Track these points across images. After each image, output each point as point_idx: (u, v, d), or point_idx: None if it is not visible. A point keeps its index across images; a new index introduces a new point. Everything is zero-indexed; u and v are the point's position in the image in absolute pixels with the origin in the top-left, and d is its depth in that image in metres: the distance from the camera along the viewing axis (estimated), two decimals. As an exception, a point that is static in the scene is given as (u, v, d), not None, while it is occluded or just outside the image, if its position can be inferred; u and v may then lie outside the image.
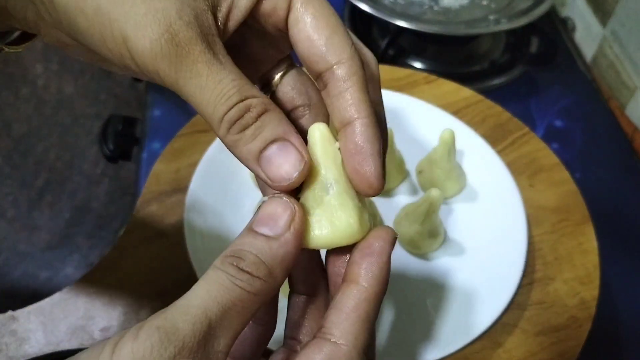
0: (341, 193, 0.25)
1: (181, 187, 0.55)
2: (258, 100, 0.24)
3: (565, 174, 0.57)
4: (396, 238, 0.25)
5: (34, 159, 1.43)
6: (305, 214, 0.24)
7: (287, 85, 0.27)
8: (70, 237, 1.30)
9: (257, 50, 0.27)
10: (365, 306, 0.23)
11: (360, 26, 0.79)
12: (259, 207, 0.24)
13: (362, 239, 0.25)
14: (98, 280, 0.50)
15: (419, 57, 0.75)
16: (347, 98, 0.24)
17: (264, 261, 0.22)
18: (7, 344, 0.46)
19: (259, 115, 0.24)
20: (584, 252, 0.52)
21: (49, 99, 1.52)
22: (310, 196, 0.25)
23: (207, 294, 0.21)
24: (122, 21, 0.22)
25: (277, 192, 0.25)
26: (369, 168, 0.24)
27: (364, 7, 0.68)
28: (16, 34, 0.28)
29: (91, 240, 1.30)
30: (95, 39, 0.23)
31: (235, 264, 0.22)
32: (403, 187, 0.56)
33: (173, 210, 0.54)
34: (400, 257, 0.51)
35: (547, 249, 0.52)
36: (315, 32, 0.24)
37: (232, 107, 0.23)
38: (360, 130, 0.24)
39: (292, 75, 0.27)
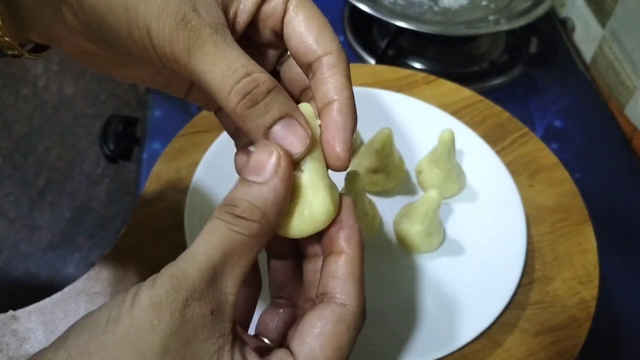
0: (312, 173, 0.27)
1: (181, 187, 0.55)
2: (266, 76, 0.26)
3: (564, 174, 0.58)
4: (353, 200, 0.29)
5: (34, 159, 1.44)
6: (291, 158, 0.26)
7: (293, 69, 0.31)
8: (70, 237, 1.30)
9: (261, 37, 0.30)
10: (357, 270, 0.27)
11: (360, 26, 0.79)
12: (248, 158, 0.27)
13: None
14: (99, 280, 0.50)
15: (418, 57, 0.75)
16: (332, 82, 0.28)
17: (257, 205, 0.25)
18: (8, 344, 0.46)
19: (269, 92, 0.26)
20: (583, 251, 0.52)
21: (49, 99, 1.53)
22: None
23: (209, 243, 0.24)
24: (147, 15, 0.25)
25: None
26: (339, 140, 0.27)
27: (364, 7, 0.68)
28: (30, 45, 0.31)
29: (92, 240, 1.30)
30: (122, 34, 0.26)
31: (230, 211, 0.24)
32: (403, 187, 0.56)
33: (173, 210, 0.54)
34: (400, 257, 0.51)
35: (546, 248, 0.52)
36: (307, 28, 0.28)
37: (240, 80, 0.26)
38: (339, 108, 0.28)
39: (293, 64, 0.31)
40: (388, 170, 0.54)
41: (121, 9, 0.25)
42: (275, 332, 0.30)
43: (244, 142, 0.31)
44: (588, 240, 0.53)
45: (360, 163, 0.54)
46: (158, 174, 0.57)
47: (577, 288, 0.50)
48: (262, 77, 0.26)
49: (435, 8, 0.75)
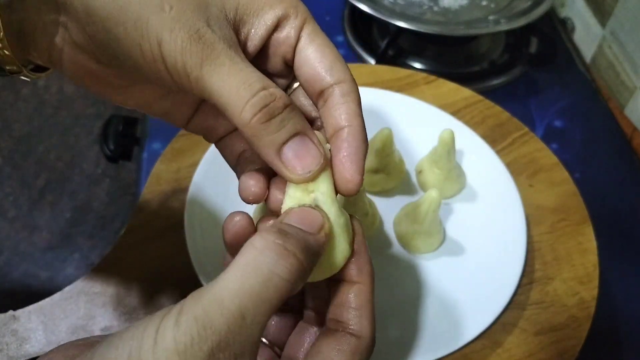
0: (329, 212, 0.27)
1: (181, 187, 0.55)
2: (282, 92, 0.26)
3: (564, 174, 0.58)
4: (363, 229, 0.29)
5: (34, 159, 1.44)
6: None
7: (299, 100, 0.30)
8: (70, 237, 1.30)
9: (271, 63, 0.30)
10: (370, 301, 0.27)
11: (360, 26, 0.79)
12: (287, 211, 0.26)
13: None
14: (99, 280, 0.50)
15: (418, 57, 0.75)
16: (344, 109, 0.27)
17: (302, 247, 0.23)
18: (8, 344, 0.46)
19: (285, 107, 0.26)
20: (583, 251, 0.52)
21: (49, 99, 1.53)
22: (296, 198, 0.27)
23: (243, 287, 0.22)
24: (159, 27, 0.25)
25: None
26: (353, 162, 0.27)
27: (364, 7, 0.68)
28: (30, 65, 0.30)
29: (92, 240, 1.30)
30: (132, 47, 0.25)
31: (280, 241, 0.23)
32: (403, 187, 0.56)
33: (173, 210, 0.54)
34: (400, 257, 0.51)
35: (546, 248, 0.52)
36: (320, 57, 0.28)
37: (255, 94, 0.25)
38: (352, 133, 0.27)
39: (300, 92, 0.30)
40: (388, 170, 0.54)
41: (132, 21, 0.25)
42: (276, 333, 0.30)
43: (246, 170, 0.30)
44: (588, 240, 0.53)
45: (360, 163, 0.54)
46: (158, 174, 0.57)
47: (577, 288, 0.50)
48: (279, 92, 0.26)
49: (435, 8, 0.75)
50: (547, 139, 0.66)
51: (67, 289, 0.50)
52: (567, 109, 0.71)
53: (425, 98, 0.62)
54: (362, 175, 0.27)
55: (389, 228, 0.53)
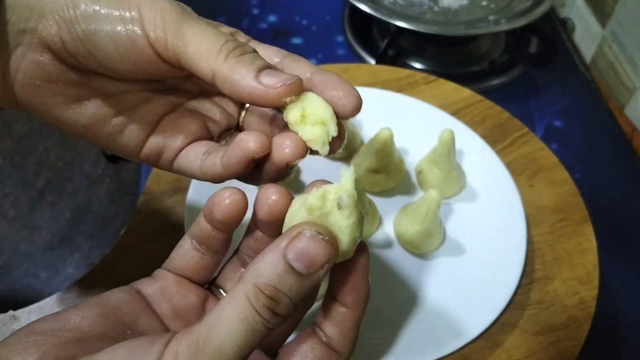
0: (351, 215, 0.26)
1: (181, 187, 0.55)
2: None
3: (564, 174, 0.58)
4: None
5: (34, 159, 1.44)
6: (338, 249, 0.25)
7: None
8: (71, 237, 1.30)
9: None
10: (358, 324, 0.27)
11: (360, 26, 0.79)
12: (297, 234, 0.24)
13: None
14: (99, 280, 0.50)
15: (418, 57, 0.75)
16: (302, 67, 0.30)
17: (295, 302, 0.24)
18: (8, 344, 0.46)
19: (254, 51, 0.28)
20: (583, 251, 0.52)
21: (49, 99, 1.52)
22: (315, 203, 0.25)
23: (243, 340, 0.23)
24: (139, 1, 0.27)
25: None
26: (343, 84, 0.29)
27: (364, 7, 0.68)
28: None
29: (92, 240, 1.30)
30: (110, 16, 0.27)
31: (272, 308, 0.23)
32: (403, 187, 0.56)
33: (173, 210, 0.54)
34: (400, 257, 0.51)
35: (546, 248, 0.52)
36: (264, 53, 0.31)
37: (228, 40, 0.28)
38: (319, 73, 0.29)
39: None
40: (388, 170, 0.54)
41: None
42: (199, 271, 0.30)
43: (217, 160, 0.31)
44: (588, 240, 0.53)
45: (360, 163, 0.54)
46: (158, 174, 0.57)
47: (577, 288, 0.50)
48: (245, 42, 0.29)
49: (435, 8, 0.75)
50: (547, 139, 0.66)
51: (67, 288, 0.50)
52: (567, 109, 0.71)
53: (425, 98, 0.62)
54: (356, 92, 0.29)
55: (389, 228, 0.53)
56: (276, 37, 0.79)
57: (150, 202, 0.55)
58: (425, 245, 0.51)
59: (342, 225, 0.25)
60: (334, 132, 0.28)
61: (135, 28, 0.27)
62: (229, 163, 0.29)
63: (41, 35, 0.28)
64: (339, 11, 0.82)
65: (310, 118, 0.28)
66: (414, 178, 0.57)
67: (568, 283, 0.50)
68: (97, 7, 0.27)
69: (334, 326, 0.27)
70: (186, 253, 0.30)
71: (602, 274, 0.51)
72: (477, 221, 0.53)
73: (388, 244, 0.52)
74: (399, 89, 0.64)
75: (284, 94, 0.27)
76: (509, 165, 0.56)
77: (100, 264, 0.51)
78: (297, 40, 0.79)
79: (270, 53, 0.31)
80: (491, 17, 0.71)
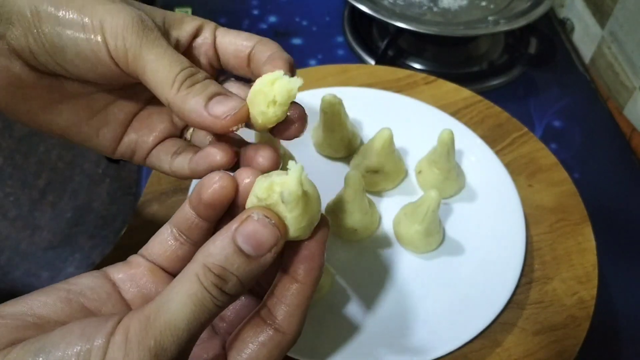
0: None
1: (182, 187, 0.56)
2: (203, 71, 0.30)
3: (563, 174, 0.58)
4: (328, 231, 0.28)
5: (35, 159, 1.44)
6: (287, 233, 0.26)
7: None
8: (71, 237, 1.31)
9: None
10: (306, 302, 0.27)
11: (360, 27, 0.80)
12: (246, 218, 0.25)
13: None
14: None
15: (418, 57, 0.75)
16: (266, 52, 0.32)
17: (243, 282, 0.25)
18: (10, 343, 0.47)
19: (205, 78, 0.30)
20: (582, 251, 0.52)
21: (50, 99, 1.52)
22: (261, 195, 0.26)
23: (192, 315, 0.23)
24: (102, 12, 0.29)
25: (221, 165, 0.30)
26: (276, 57, 0.31)
27: (364, 8, 0.68)
28: None
29: (93, 240, 1.30)
30: (74, 31, 0.29)
31: (219, 286, 0.24)
32: (402, 187, 0.57)
33: (174, 210, 0.54)
34: (400, 257, 0.52)
35: (545, 248, 0.53)
36: (236, 37, 0.33)
37: (182, 69, 0.29)
38: (274, 54, 0.31)
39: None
40: (388, 170, 0.54)
41: (76, 10, 0.29)
42: (175, 261, 0.30)
43: (186, 162, 0.33)
44: (587, 240, 0.53)
45: (360, 163, 0.54)
46: (158, 174, 0.57)
47: (576, 288, 0.50)
48: (199, 69, 0.30)
49: (435, 9, 0.75)
50: (546, 139, 0.66)
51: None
52: (567, 109, 0.72)
53: (424, 98, 0.62)
54: (291, 67, 0.31)
55: (389, 228, 0.53)
56: (276, 38, 0.79)
57: (150, 202, 0.55)
58: (424, 245, 0.51)
59: (287, 216, 0.26)
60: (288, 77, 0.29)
61: (98, 38, 0.29)
62: (196, 169, 0.32)
63: (10, 44, 0.29)
64: (339, 11, 0.83)
65: (271, 97, 0.29)
66: (413, 178, 0.57)
67: (567, 283, 0.50)
68: (60, 14, 0.29)
69: (282, 304, 0.27)
70: (164, 241, 0.30)
71: (601, 274, 0.51)
72: (477, 221, 0.54)
73: (388, 244, 0.53)
74: (398, 90, 0.64)
75: (231, 123, 0.29)
76: (508, 165, 0.56)
77: (101, 264, 0.51)
78: (297, 41, 0.79)
79: (241, 38, 0.33)
80: (490, 18, 0.71)
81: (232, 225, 0.25)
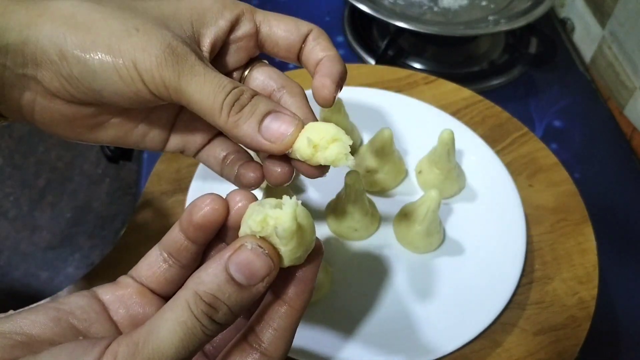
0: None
1: (181, 187, 0.55)
2: (247, 87, 0.30)
3: (564, 174, 0.58)
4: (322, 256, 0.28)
5: (35, 159, 1.44)
6: (280, 264, 0.25)
7: (260, 76, 0.33)
8: (71, 237, 1.30)
9: (230, 60, 0.33)
10: (295, 326, 0.27)
11: (360, 27, 0.80)
12: (239, 247, 0.25)
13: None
14: (99, 280, 0.50)
15: (418, 57, 0.75)
16: (319, 47, 0.32)
17: (234, 312, 0.24)
18: (9, 343, 0.46)
19: (252, 96, 0.29)
20: (582, 251, 0.52)
21: (49, 99, 1.52)
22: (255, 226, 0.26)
23: (181, 343, 0.23)
24: (131, 50, 0.27)
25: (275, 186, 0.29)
26: (329, 84, 0.31)
27: (364, 8, 0.68)
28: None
29: (92, 240, 1.30)
30: (108, 74, 0.28)
31: (210, 315, 0.24)
32: (402, 187, 0.57)
33: (173, 210, 0.54)
34: (400, 257, 0.52)
35: (546, 248, 0.53)
36: (284, 25, 0.33)
37: (229, 93, 0.28)
38: (330, 59, 0.32)
39: (261, 69, 0.34)
40: (388, 170, 0.54)
41: (104, 51, 0.27)
42: (164, 283, 0.30)
43: (234, 174, 0.34)
44: (587, 240, 0.53)
45: (360, 163, 0.54)
46: (158, 174, 0.57)
47: (576, 288, 0.50)
48: (245, 87, 0.29)
49: (435, 8, 0.75)
50: (546, 139, 0.66)
51: (67, 288, 0.50)
52: (567, 109, 0.71)
53: (425, 98, 0.62)
54: (337, 86, 0.31)
55: (389, 228, 0.53)
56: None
57: (150, 202, 0.55)
58: (425, 245, 0.51)
59: (280, 249, 0.25)
60: (348, 140, 0.29)
61: (136, 83, 0.28)
62: (240, 184, 0.33)
63: (45, 87, 0.29)
64: (339, 11, 0.82)
65: (322, 143, 0.29)
66: (413, 178, 0.57)
67: (567, 283, 0.50)
68: (89, 58, 0.28)
69: (269, 327, 0.26)
70: (153, 263, 0.29)
71: (602, 274, 0.51)
72: (477, 221, 0.54)
73: (388, 244, 0.52)
74: (398, 89, 0.64)
75: (287, 146, 0.29)
76: (509, 165, 0.56)
77: (100, 264, 0.51)
78: (297, 41, 0.79)
79: (291, 28, 0.32)
80: (491, 18, 0.71)
81: (225, 253, 0.24)
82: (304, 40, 0.32)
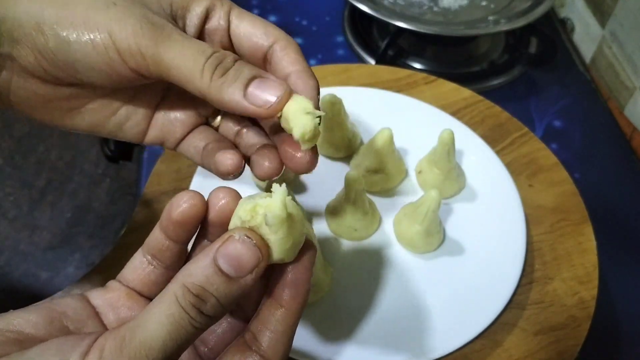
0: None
1: (182, 187, 0.55)
2: (229, 52, 0.29)
3: (564, 174, 0.58)
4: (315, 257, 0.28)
5: (35, 159, 1.44)
6: (269, 255, 0.25)
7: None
8: (71, 237, 1.30)
9: None
10: (292, 327, 0.26)
11: (360, 27, 0.80)
12: (228, 238, 0.25)
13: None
14: (99, 280, 0.50)
15: (418, 57, 0.75)
16: (286, 59, 0.31)
17: (222, 304, 0.24)
18: (9, 343, 0.46)
19: (235, 60, 0.29)
20: (582, 251, 0.52)
21: (49, 99, 1.52)
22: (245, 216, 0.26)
23: (169, 335, 0.23)
24: (108, 20, 0.27)
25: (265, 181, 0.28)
26: (305, 92, 0.30)
27: (364, 7, 0.68)
28: None
29: (92, 240, 1.30)
30: (84, 46, 0.28)
31: (198, 307, 0.23)
32: (402, 187, 0.57)
33: (174, 210, 0.54)
34: (400, 257, 0.52)
35: (546, 248, 0.53)
36: (253, 28, 0.31)
37: (210, 56, 0.28)
38: (298, 76, 0.30)
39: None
40: (388, 170, 0.54)
41: (80, 22, 0.27)
42: (150, 285, 0.30)
43: (214, 162, 0.32)
44: (588, 240, 0.53)
45: (360, 163, 0.54)
46: (158, 174, 0.57)
47: (576, 288, 0.50)
48: (226, 52, 0.29)
49: (435, 8, 0.75)
50: (546, 139, 0.66)
51: (67, 289, 0.50)
52: (567, 109, 0.71)
53: (425, 98, 0.62)
54: (315, 100, 0.30)
55: (389, 228, 0.53)
56: (276, 38, 0.79)
57: (150, 202, 0.55)
58: (425, 245, 0.51)
59: (270, 239, 0.25)
60: (318, 113, 0.29)
61: (111, 54, 0.28)
62: (217, 172, 0.32)
63: (21, 64, 0.29)
64: (339, 11, 0.82)
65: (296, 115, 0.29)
66: (413, 178, 0.57)
67: (567, 283, 0.50)
68: (65, 34, 0.27)
69: (267, 330, 0.26)
70: (137, 267, 0.29)
71: (602, 274, 0.51)
72: (477, 221, 0.54)
73: (388, 244, 0.52)
74: (398, 89, 0.64)
75: (274, 112, 0.28)
76: (509, 165, 0.56)
77: (100, 264, 0.51)
78: (297, 41, 0.78)
79: (257, 31, 0.31)
80: (491, 18, 0.71)
81: (214, 245, 0.24)
82: (271, 47, 0.31)
